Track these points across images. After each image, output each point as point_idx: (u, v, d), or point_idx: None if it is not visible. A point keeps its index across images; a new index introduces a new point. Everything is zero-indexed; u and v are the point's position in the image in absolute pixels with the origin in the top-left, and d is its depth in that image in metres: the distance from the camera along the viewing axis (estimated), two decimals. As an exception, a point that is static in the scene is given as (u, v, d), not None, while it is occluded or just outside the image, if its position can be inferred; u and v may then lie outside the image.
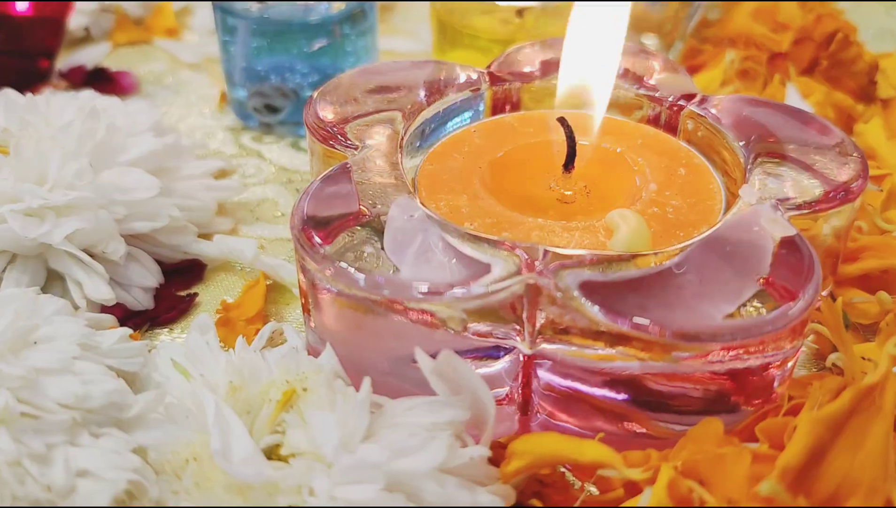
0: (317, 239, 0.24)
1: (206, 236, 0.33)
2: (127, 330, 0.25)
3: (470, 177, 0.28)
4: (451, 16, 0.39)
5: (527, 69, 0.32)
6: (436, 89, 0.31)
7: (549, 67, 0.32)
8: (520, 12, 0.37)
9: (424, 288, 0.22)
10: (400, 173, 0.27)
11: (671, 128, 0.31)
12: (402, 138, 0.28)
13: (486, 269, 0.23)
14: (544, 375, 0.24)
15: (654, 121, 0.31)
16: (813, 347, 0.29)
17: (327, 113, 0.29)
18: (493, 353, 0.25)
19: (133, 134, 0.34)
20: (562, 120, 0.27)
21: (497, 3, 0.37)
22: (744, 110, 0.29)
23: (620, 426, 0.24)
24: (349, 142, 0.28)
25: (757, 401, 0.23)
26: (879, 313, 0.28)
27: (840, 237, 0.27)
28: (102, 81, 0.44)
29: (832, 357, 0.24)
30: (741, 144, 0.28)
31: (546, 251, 0.23)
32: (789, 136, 0.28)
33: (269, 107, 0.40)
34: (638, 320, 0.21)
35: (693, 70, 0.43)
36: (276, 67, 0.39)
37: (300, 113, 0.40)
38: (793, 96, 0.38)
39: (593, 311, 0.21)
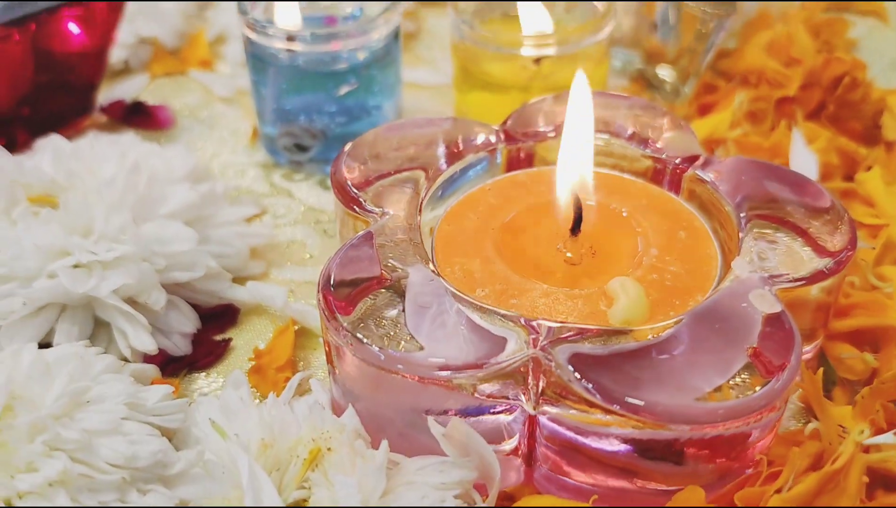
0: (338, 312, 0.26)
1: (239, 278, 0.36)
2: (169, 388, 0.27)
3: (483, 239, 0.30)
4: (470, 61, 0.41)
5: (541, 128, 0.34)
6: (454, 151, 0.33)
7: (562, 127, 0.34)
8: (536, 60, 0.39)
9: (439, 367, 0.24)
10: (418, 239, 0.29)
11: (676, 184, 0.33)
12: (422, 202, 0.31)
13: (495, 341, 0.25)
14: (547, 424, 0.27)
15: (659, 178, 0.33)
16: (799, 404, 0.30)
17: (353, 173, 0.32)
18: (501, 408, 0.27)
19: (172, 181, 0.37)
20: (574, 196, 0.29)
21: (514, 52, 0.39)
22: (742, 175, 0.31)
23: (620, 479, 0.26)
24: (370, 208, 0.30)
25: (738, 464, 0.25)
26: (865, 371, 0.30)
27: (831, 293, 0.29)
28: (141, 115, 0.46)
29: (811, 427, 0.26)
30: (737, 208, 0.30)
31: (549, 328, 0.25)
32: (783, 201, 0.30)
33: (299, 146, 0.42)
34: (630, 400, 0.23)
35: (706, 108, 0.45)
36: (305, 107, 0.41)
37: (328, 151, 0.42)
38: (798, 142, 0.40)
39: (587, 389, 0.23)
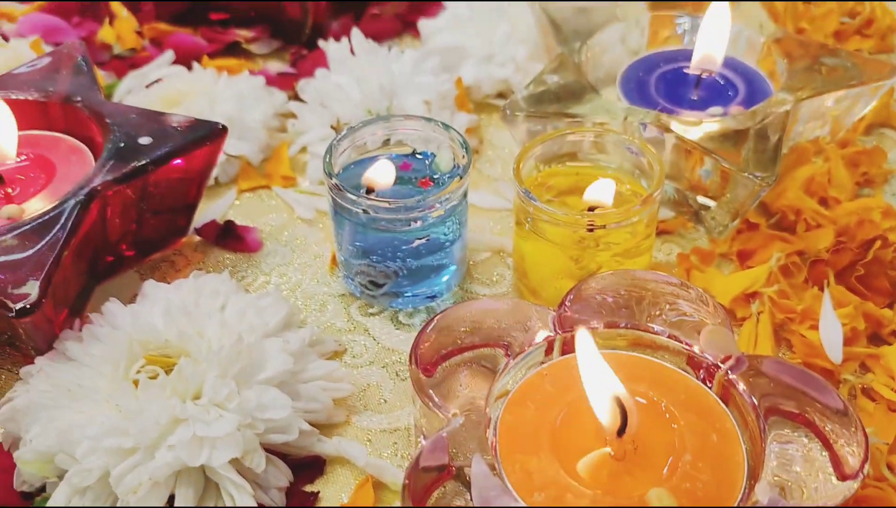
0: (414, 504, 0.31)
1: (321, 426, 0.41)
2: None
3: (541, 433, 0.35)
4: (528, 217, 0.45)
5: (593, 323, 0.38)
6: (516, 349, 0.37)
7: (613, 314, 0.38)
8: (590, 228, 0.43)
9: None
10: (483, 434, 0.34)
11: (710, 376, 0.37)
12: (488, 400, 0.36)
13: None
14: None
15: (696, 367, 0.38)
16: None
17: (427, 364, 0.36)
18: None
19: (267, 334, 0.42)
20: (617, 401, 0.34)
21: (571, 216, 0.43)
22: (770, 379, 0.35)
23: None
24: (442, 404, 0.35)
25: None
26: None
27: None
28: (232, 238, 0.52)
29: None
30: (763, 414, 0.34)
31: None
32: (804, 404, 0.34)
33: (373, 283, 0.47)
34: None
35: (744, 255, 0.49)
36: (380, 249, 0.46)
37: (400, 286, 0.47)
38: (827, 308, 0.43)
39: None
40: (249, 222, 0.53)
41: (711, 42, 0.53)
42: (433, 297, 0.48)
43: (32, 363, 0.42)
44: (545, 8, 0.59)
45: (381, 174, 0.47)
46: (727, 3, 0.53)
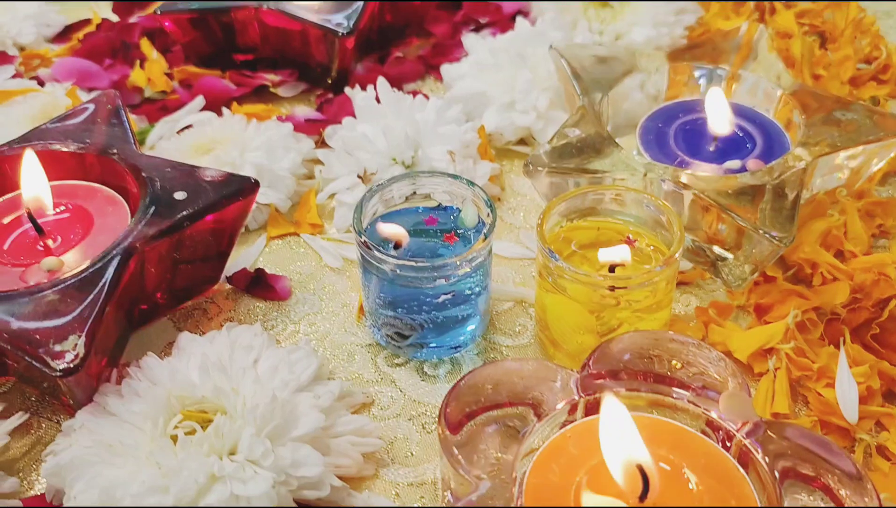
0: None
1: (350, 479, 0.42)
2: None
3: (564, 496, 0.36)
4: (551, 272, 0.46)
5: (615, 387, 0.40)
6: (541, 409, 0.39)
7: (635, 377, 0.40)
8: (612, 288, 0.44)
9: None
10: (511, 498, 0.35)
11: (729, 438, 0.38)
12: (514, 462, 0.37)
13: None
14: None
15: (715, 430, 0.39)
16: None
17: (453, 423, 0.38)
18: None
19: (299, 387, 0.44)
20: (640, 469, 0.35)
21: (592, 278, 0.45)
22: (786, 443, 0.37)
23: None
24: (468, 466, 0.37)
25: None
26: None
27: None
28: (262, 286, 0.53)
29: None
30: (779, 476, 0.35)
31: None
32: (821, 470, 0.36)
33: (399, 334, 0.49)
34: None
35: (761, 310, 0.50)
36: (406, 303, 0.47)
37: (425, 337, 0.48)
38: (843, 368, 0.45)
39: None
40: (279, 270, 0.55)
41: (717, 117, 0.55)
42: (457, 348, 0.50)
43: (72, 412, 0.44)
44: (566, 57, 0.60)
45: (398, 226, 0.48)
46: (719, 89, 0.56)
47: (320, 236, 0.57)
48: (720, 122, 0.55)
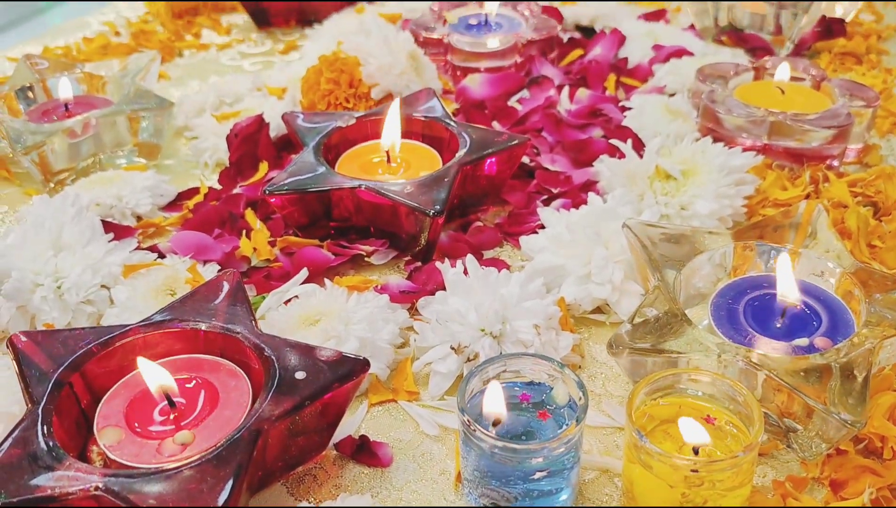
0: None
1: None
2: None
3: None
4: (635, 447, 0.50)
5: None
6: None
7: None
8: (694, 469, 0.49)
9: None
10: None
11: None
12: None
13: None
14: None
15: None
16: None
17: None
18: None
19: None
20: None
21: (677, 461, 0.49)
22: None
23: None
24: None
25: None
26: None
27: None
28: (366, 453, 0.58)
29: None
30: None
31: None
32: None
33: (495, 505, 0.53)
34: None
35: (837, 486, 0.53)
36: (503, 479, 0.52)
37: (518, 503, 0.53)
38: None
39: None
40: (380, 437, 0.60)
41: (786, 287, 0.60)
42: (550, 517, 0.54)
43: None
44: (638, 235, 0.66)
45: (497, 403, 0.53)
46: (787, 255, 0.61)
47: (416, 403, 0.62)
48: (789, 289, 0.60)
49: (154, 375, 0.56)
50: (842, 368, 0.54)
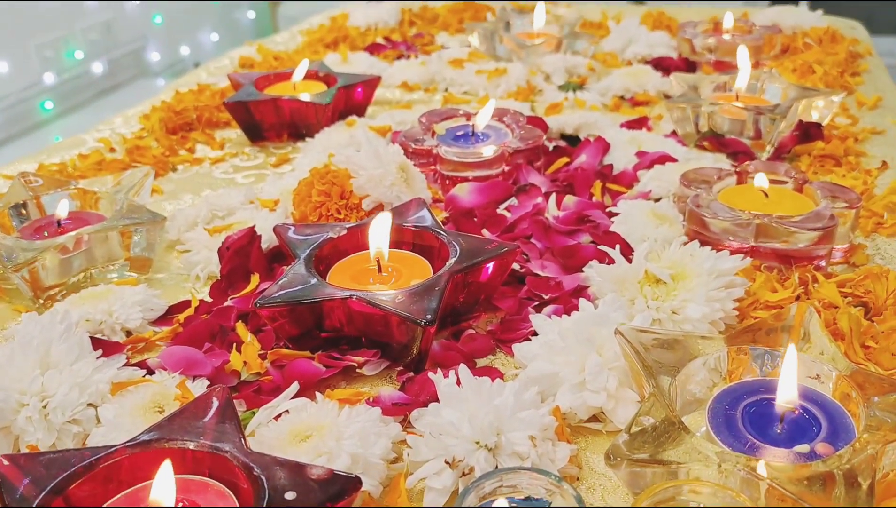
0: None
1: None
2: None
3: None
4: None
5: None
6: None
7: None
8: None
9: None
10: None
11: None
12: None
13: None
14: None
15: None
16: None
17: None
18: None
19: None
20: None
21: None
22: None
23: None
24: None
25: None
26: None
27: None
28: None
29: None
30: None
31: None
32: None
33: None
34: None
35: None
36: None
37: None
38: None
39: None
40: (374, 557, 0.58)
41: (786, 389, 0.59)
42: None
43: None
44: (631, 342, 0.66)
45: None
46: (794, 348, 0.60)
47: (415, 516, 0.61)
48: (791, 388, 0.59)
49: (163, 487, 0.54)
50: (845, 475, 0.53)
